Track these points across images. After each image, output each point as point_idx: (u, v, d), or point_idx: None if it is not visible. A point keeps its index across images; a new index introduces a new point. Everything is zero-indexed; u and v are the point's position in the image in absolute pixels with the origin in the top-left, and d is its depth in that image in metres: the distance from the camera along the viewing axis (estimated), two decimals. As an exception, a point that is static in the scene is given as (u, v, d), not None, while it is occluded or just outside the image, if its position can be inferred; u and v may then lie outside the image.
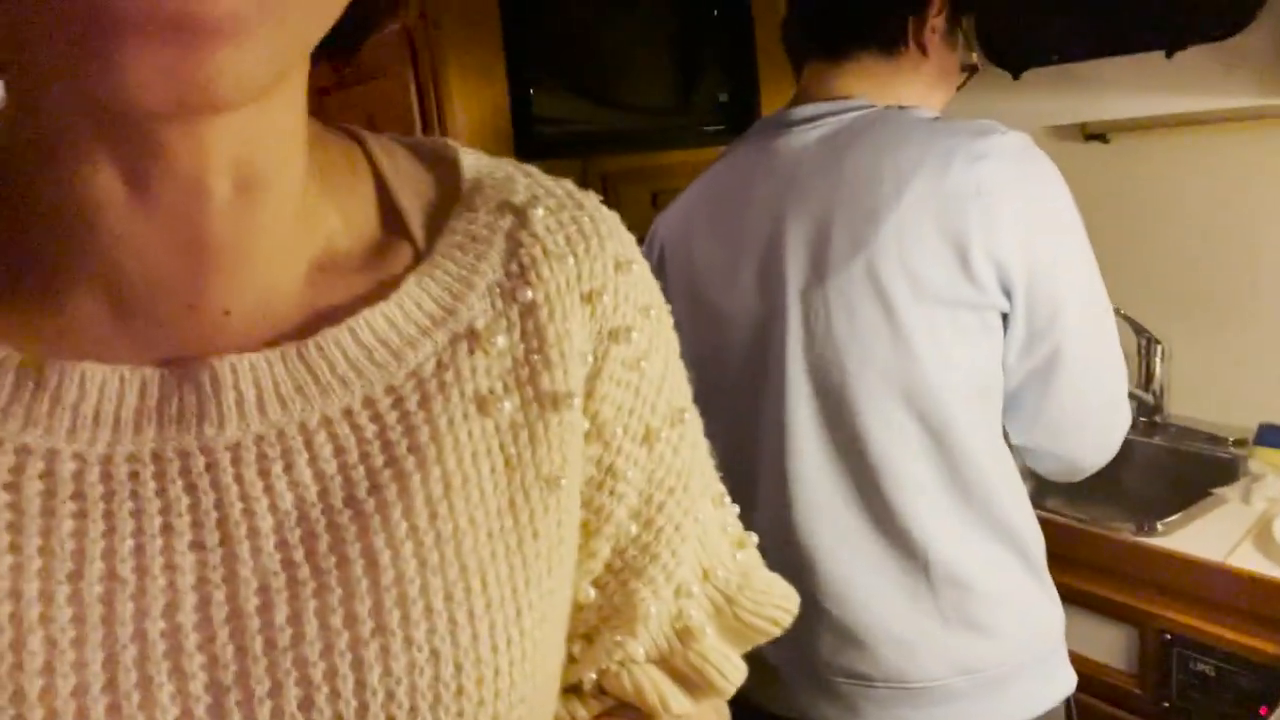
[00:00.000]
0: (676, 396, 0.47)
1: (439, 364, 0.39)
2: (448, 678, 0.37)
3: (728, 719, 0.54)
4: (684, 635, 0.48)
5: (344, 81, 1.70)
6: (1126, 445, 1.07)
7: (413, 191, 0.43)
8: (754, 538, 0.52)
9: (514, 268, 0.42)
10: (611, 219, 0.46)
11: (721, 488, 0.52)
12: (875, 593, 0.98)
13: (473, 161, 0.45)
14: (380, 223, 0.42)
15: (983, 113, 1.01)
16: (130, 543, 0.34)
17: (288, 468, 0.36)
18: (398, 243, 0.42)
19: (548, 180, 0.46)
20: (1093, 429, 1.02)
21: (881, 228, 0.93)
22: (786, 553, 1.00)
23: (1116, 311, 1.02)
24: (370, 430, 0.38)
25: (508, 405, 0.40)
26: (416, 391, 0.39)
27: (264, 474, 0.36)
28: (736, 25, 1.76)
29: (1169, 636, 1.29)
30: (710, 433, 0.50)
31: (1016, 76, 1.65)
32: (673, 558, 0.47)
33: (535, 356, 0.41)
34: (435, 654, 0.37)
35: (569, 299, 0.42)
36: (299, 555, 0.36)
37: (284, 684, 0.35)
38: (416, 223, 0.42)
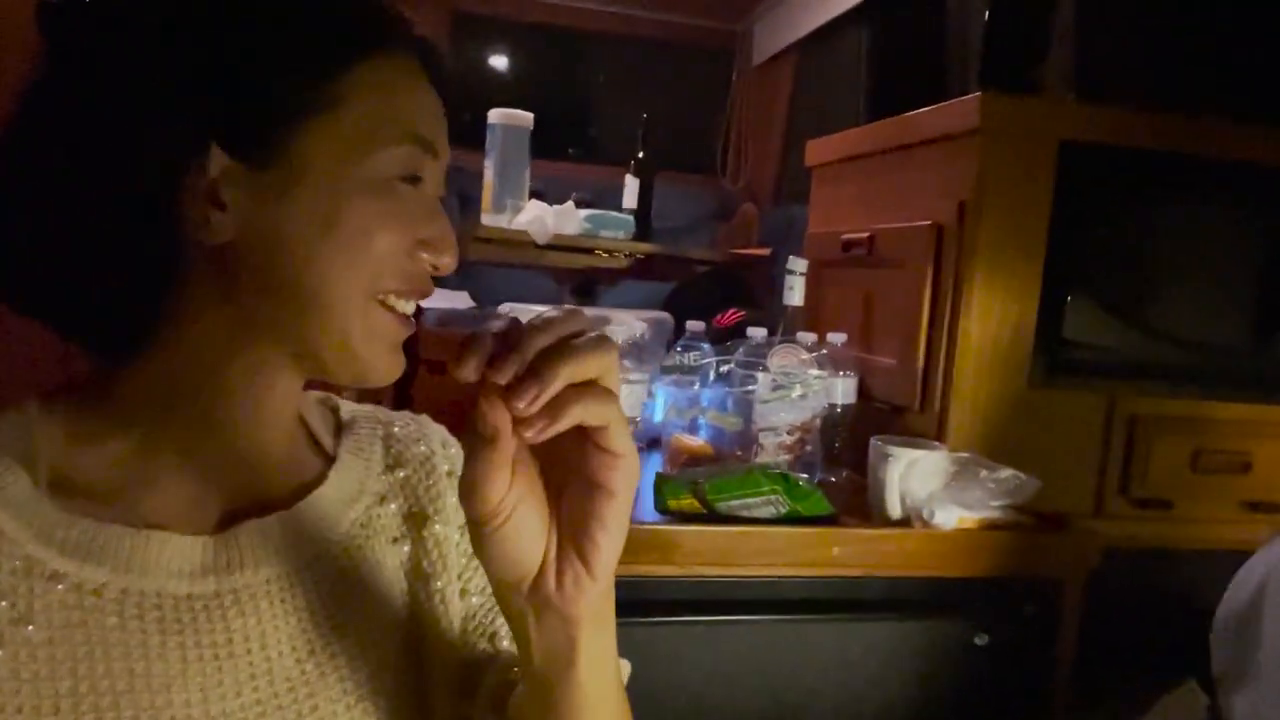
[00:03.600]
0: None
1: (363, 522, 0.65)
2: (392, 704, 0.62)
3: None
4: None
5: (850, 261, 1.60)
6: None
7: (319, 422, 0.69)
8: None
9: (389, 461, 0.69)
10: (431, 423, 0.74)
11: None
12: None
13: (345, 405, 0.72)
14: (305, 440, 0.67)
15: None
16: (210, 650, 0.55)
17: (293, 596, 0.58)
18: (317, 452, 0.67)
19: (391, 411, 0.73)
20: None
21: None
22: None
23: None
24: (332, 567, 0.61)
25: (406, 547, 0.66)
26: (354, 540, 0.63)
27: (282, 601, 0.58)
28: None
29: None
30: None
31: None
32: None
33: (415, 506, 0.68)
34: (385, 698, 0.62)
35: (424, 467, 0.70)
36: (304, 654, 0.58)
37: None
38: (325, 439, 0.68)
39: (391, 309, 0.58)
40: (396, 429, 0.71)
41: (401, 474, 0.69)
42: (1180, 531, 1.39)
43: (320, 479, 0.64)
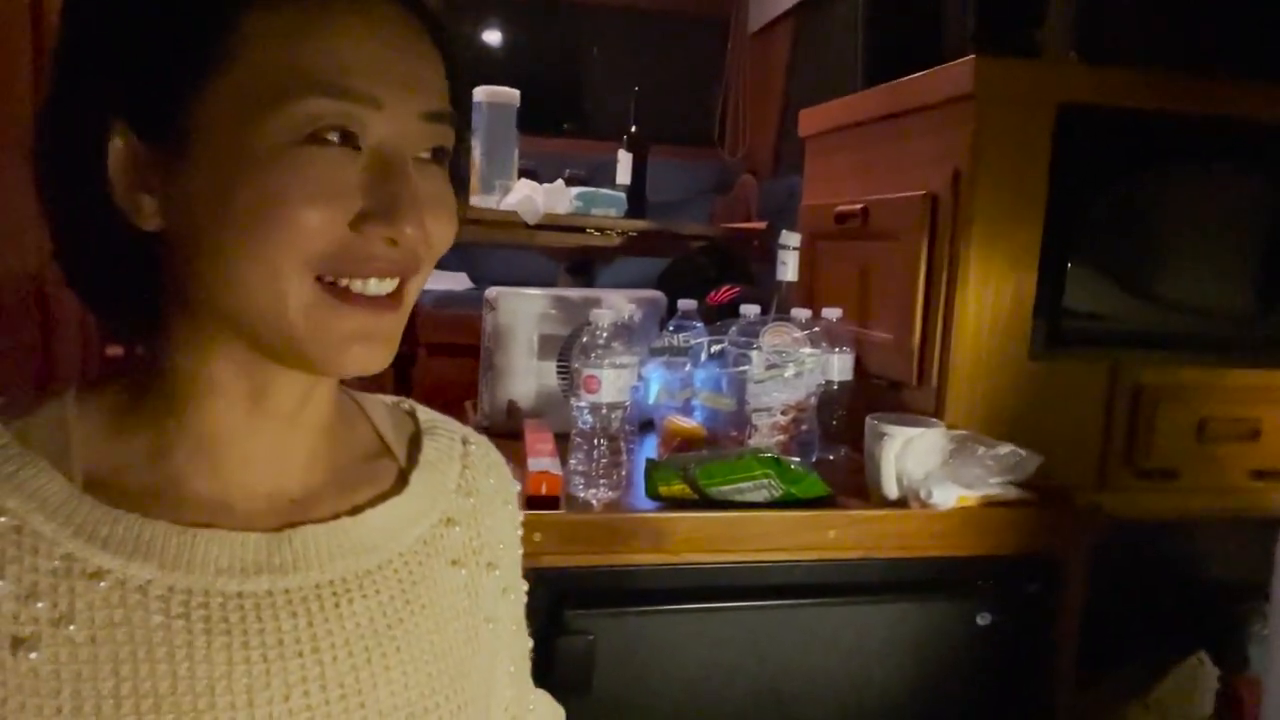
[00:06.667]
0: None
1: (426, 539, 0.63)
2: None
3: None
4: None
5: (844, 234, 1.57)
6: None
7: (390, 427, 0.67)
8: None
9: (462, 482, 0.68)
10: (495, 451, 0.73)
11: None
12: None
13: (422, 410, 0.71)
14: (373, 447, 0.66)
15: None
16: (258, 652, 0.53)
17: (349, 602, 0.57)
18: (386, 459, 0.65)
19: (462, 425, 0.72)
20: None
21: None
22: None
23: None
24: (393, 580, 0.60)
25: (464, 571, 0.65)
26: (416, 555, 0.62)
27: (335, 607, 0.56)
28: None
29: None
30: None
31: None
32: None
33: (476, 540, 0.67)
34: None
35: (491, 502, 0.69)
36: (361, 660, 0.56)
37: None
38: (397, 448, 0.66)
39: (347, 291, 0.52)
40: (472, 448, 0.70)
41: (471, 501, 0.68)
42: (1187, 502, 1.36)
43: (393, 489, 0.63)
